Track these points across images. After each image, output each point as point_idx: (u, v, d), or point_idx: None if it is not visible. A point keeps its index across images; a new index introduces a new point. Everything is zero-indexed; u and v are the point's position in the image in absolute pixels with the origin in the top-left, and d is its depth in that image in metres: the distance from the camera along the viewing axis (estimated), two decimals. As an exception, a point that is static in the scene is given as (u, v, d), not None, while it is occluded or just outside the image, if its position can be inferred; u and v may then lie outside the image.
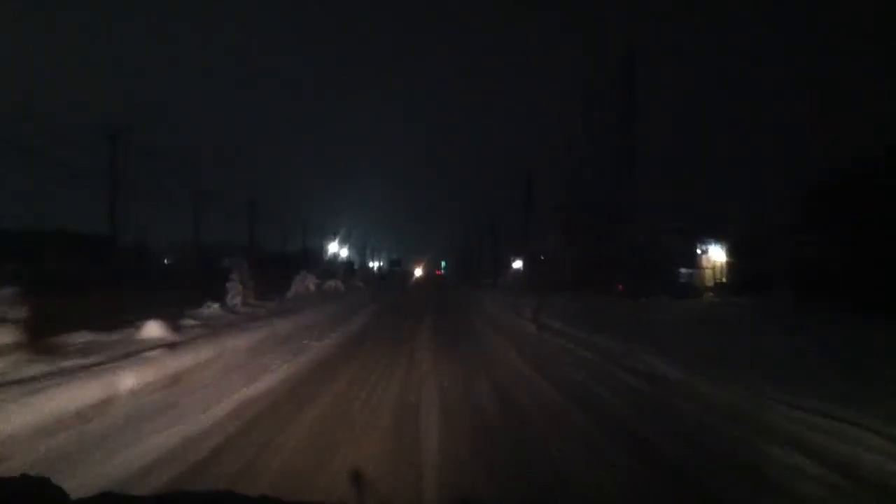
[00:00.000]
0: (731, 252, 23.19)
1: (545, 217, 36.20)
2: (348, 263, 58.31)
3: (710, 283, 24.16)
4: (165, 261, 45.84)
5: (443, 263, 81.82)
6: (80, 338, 6.98)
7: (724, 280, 23.72)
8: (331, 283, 22.36)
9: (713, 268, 24.61)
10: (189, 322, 8.99)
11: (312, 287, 19.34)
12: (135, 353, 6.12)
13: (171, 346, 6.55)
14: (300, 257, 46.55)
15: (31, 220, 27.67)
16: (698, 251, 25.21)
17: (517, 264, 51.97)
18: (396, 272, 67.41)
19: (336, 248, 55.97)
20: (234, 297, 12.67)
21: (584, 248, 27.49)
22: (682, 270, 25.85)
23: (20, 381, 4.57)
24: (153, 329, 7.32)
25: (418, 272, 70.93)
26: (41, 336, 6.19)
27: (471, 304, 20.38)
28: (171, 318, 9.33)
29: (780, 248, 20.17)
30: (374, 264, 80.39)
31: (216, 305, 11.13)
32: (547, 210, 34.98)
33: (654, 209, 25.88)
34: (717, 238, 23.98)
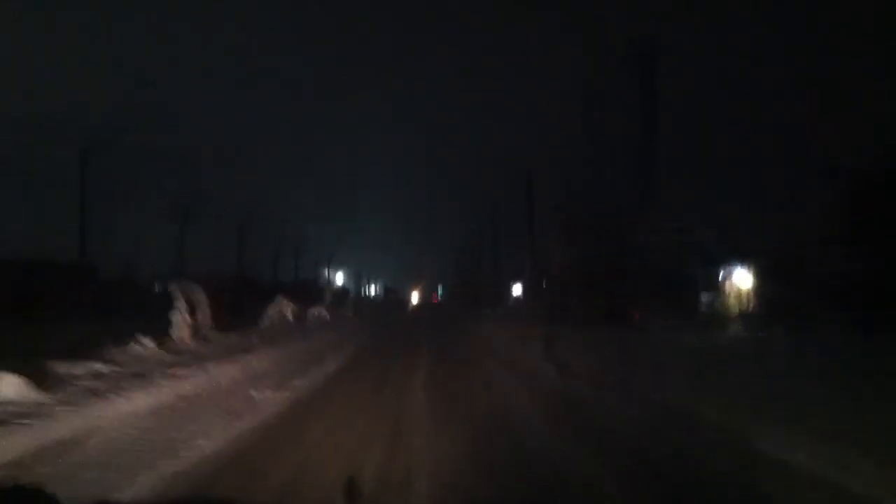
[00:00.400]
0: (760, 275, 20.86)
1: (546, 218, 34.39)
2: (343, 290, 55.78)
3: (734, 312, 21.79)
4: (157, 287, 43.16)
5: (439, 290, 79.83)
6: None
7: (750, 308, 21.35)
8: (314, 312, 19.85)
9: (738, 294, 22.35)
10: (90, 368, 6.53)
11: (290, 316, 16.84)
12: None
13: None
14: (296, 284, 43.83)
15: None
16: (721, 275, 22.99)
17: (517, 290, 49.98)
18: (392, 299, 64.99)
19: (329, 275, 53.62)
20: (180, 330, 10.20)
21: (584, 250, 25.67)
22: (704, 297, 23.50)
23: None
24: (6, 386, 4.87)
25: (415, 299, 68.61)
26: None
27: (472, 337, 17.96)
28: (83, 360, 6.93)
29: (818, 267, 17.84)
30: (371, 290, 77.92)
31: (147, 341, 8.66)
32: (547, 211, 33.26)
33: (663, 210, 23.95)
34: (742, 260, 21.76)
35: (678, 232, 24.80)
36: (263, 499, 3.45)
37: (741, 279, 22.22)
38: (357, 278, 67.26)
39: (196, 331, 10.99)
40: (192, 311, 11.37)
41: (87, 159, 27.69)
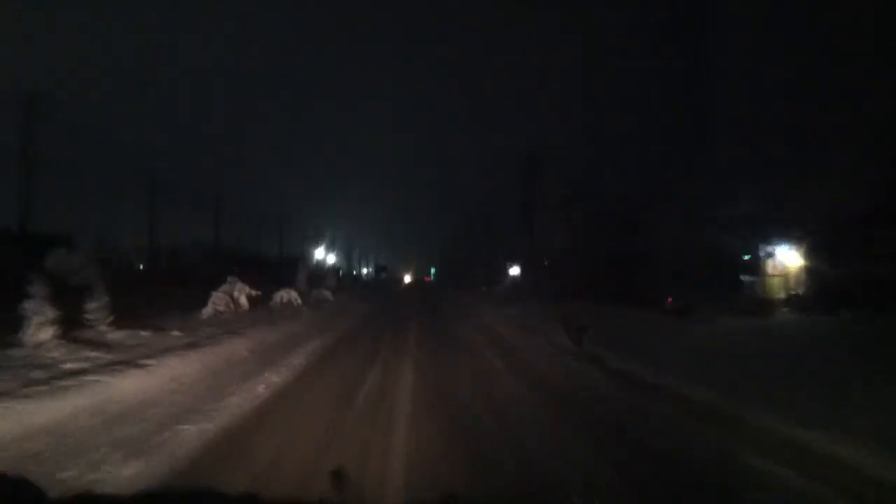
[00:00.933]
0: (812, 254, 17.62)
1: (548, 218, 31.64)
2: (333, 269, 52.14)
3: (779, 296, 18.62)
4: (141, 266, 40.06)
5: (432, 270, 77.39)
6: None
7: (798, 291, 18.15)
8: (281, 295, 16.37)
9: (785, 275, 19.15)
10: None
11: (245, 301, 13.37)
12: None
13: None
14: (285, 262, 40.33)
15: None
16: (761, 254, 19.72)
17: (514, 270, 47.05)
18: (382, 279, 61.67)
19: (322, 254, 50.04)
20: (38, 331, 6.72)
21: (595, 245, 22.75)
22: (744, 278, 20.22)
23: None
24: None
25: (407, 279, 65.62)
26: None
27: (474, 322, 14.69)
28: None
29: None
30: (364, 270, 74.53)
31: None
32: (550, 210, 30.43)
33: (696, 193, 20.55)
34: (789, 237, 18.49)
35: (717, 212, 21.31)
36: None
37: (788, 258, 18.96)
38: (349, 257, 63.80)
39: (75, 327, 7.57)
40: (85, 299, 7.96)
41: (29, 113, 24.45)
